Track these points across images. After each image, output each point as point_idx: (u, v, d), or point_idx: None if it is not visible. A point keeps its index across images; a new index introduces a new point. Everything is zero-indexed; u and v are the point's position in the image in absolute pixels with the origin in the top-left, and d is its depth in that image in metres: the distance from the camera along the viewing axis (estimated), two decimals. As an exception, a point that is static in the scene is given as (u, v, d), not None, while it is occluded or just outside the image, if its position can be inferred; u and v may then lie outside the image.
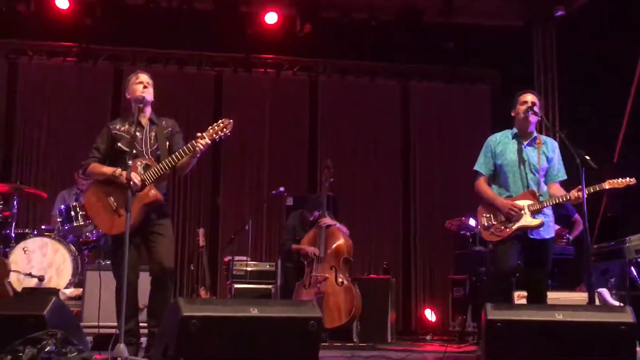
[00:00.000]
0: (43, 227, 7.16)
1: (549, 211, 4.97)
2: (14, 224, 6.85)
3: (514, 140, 5.07)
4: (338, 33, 9.06)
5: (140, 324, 4.75)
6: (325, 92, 10.05)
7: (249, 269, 7.78)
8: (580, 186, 4.73)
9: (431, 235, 9.81)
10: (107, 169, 4.61)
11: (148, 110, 4.75)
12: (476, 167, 5.15)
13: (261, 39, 9.25)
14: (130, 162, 4.33)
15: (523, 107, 5.00)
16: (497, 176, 5.08)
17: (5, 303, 4.32)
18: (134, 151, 4.50)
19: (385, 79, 10.12)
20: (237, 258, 7.73)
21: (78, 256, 6.81)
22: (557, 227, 6.88)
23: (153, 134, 4.71)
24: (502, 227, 4.88)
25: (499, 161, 5.04)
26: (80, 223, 6.80)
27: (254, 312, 3.66)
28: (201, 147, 4.44)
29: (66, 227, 6.84)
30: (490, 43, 9.15)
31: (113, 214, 4.56)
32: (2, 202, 6.53)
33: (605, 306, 5.56)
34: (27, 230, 7.06)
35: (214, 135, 4.48)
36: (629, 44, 7.51)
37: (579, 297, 6.10)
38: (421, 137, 10.13)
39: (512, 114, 5.11)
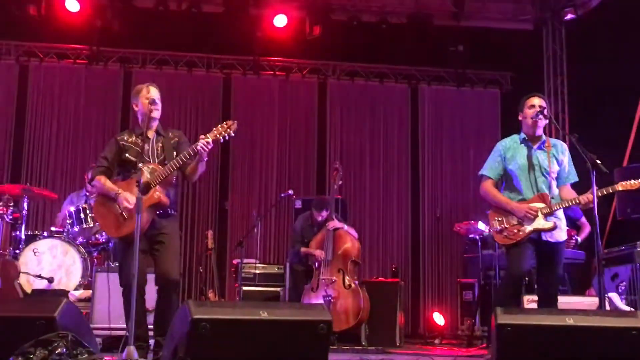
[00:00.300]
0: (53, 228, 7.18)
1: (561, 214, 4.95)
2: (24, 225, 6.87)
3: (523, 144, 5.04)
4: (347, 36, 9.06)
5: (151, 326, 4.75)
6: (335, 95, 10.06)
7: (257, 271, 7.78)
8: (591, 191, 4.71)
9: (440, 238, 9.79)
10: (110, 189, 4.63)
11: (155, 122, 4.77)
12: (483, 172, 5.12)
13: (270, 42, 9.27)
14: (140, 166, 4.37)
15: (531, 111, 4.97)
16: (508, 181, 5.06)
17: (16, 304, 4.32)
18: (141, 161, 4.53)
19: (395, 81, 10.12)
20: (245, 260, 7.73)
21: (87, 258, 6.82)
22: (566, 228, 6.88)
23: (160, 144, 4.74)
24: (516, 231, 4.85)
25: (509, 166, 5.01)
26: (90, 225, 6.82)
27: (264, 315, 3.66)
28: (203, 146, 4.45)
29: (76, 229, 6.86)
30: (501, 46, 9.14)
31: (119, 217, 4.59)
32: (12, 204, 6.55)
33: (617, 311, 5.53)
34: (37, 232, 7.08)
35: (218, 135, 4.50)
36: (639, 48, 7.48)
37: (589, 301, 6.07)
38: (430, 140, 10.11)
39: (520, 118, 5.08)
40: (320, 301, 6.57)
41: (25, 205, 6.82)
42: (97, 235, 6.98)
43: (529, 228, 4.82)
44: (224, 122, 4.56)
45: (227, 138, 4.54)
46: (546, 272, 4.93)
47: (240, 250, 7.71)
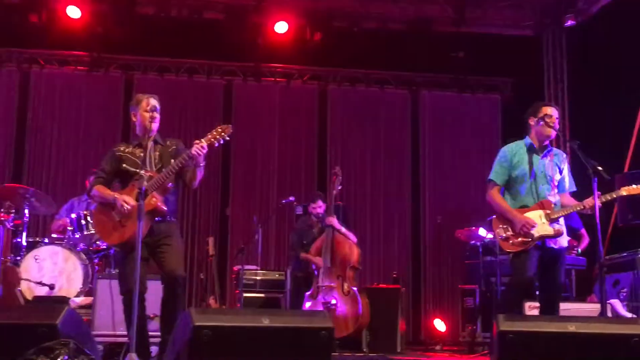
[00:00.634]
0: (54, 235, 7.18)
1: (562, 222, 4.96)
2: (25, 232, 6.87)
3: (529, 151, 5.04)
4: (348, 42, 9.07)
5: (151, 333, 4.76)
6: (335, 101, 10.07)
7: (258, 278, 7.78)
8: (597, 194, 4.72)
9: (441, 244, 9.78)
10: (107, 195, 4.66)
11: (154, 132, 4.78)
12: (491, 177, 5.11)
13: (271, 48, 9.29)
14: (140, 173, 4.39)
15: (545, 120, 4.96)
16: (511, 186, 5.06)
17: (17, 312, 4.31)
18: (140, 171, 4.54)
19: (396, 88, 10.13)
20: (246, 267, 7.73)
21: (89, 265, 6.81)
22: (568, 238, 6.88)
23: (157, 153, 4.76)
24: (522, 238, 4.85)
25: (515, 172, 5.01)
26: (91, 231, 6.82)
27: (266, 322, 3.66)
28: (197, 150, 4.46)
29: (77, 236, 6.86)
30: (501, 52, 9.16)
31: (116, 226, 4.61)
32: (13, 211, 6.55)
33: (619, 318, 5.53)
34: (38, 239, 7.08)
35: (212, 140, 4.51)
36: (639, 54, 7.50)
37: (590, 308, 6.07)
38: (431, 146, 10.12)
39: (531, 122, 5.05)
40: (320, 308, 6.57)
41: (26, 212, 6.82)
42: (98, 242, 6.97)
43: (535, 235, 4.82)
44: (218, 127, 4.58)
45: (222, 142, 4.56)
46: (548, 278, 4.93)
47: (241, 257, 7.72)
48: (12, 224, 6.61)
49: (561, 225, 4.92)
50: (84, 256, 6.81)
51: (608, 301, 5.81)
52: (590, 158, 4.75)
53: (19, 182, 9.06)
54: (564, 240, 4.95)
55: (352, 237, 7.14)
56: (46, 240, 6.96)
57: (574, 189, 5.08)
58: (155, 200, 4.54)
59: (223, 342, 3.56)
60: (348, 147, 9.95)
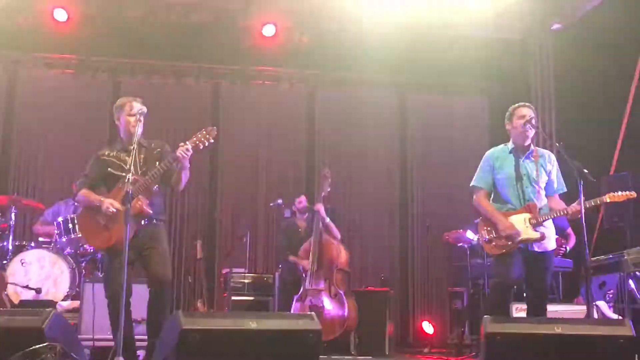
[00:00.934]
0: (41, 239, 7.15)
1: (549, 224, 4.97)
2: (11, 236, 6.83)
3: (512, 154, 5.07)
4: (336, 45, 9.08)
5: (138, 337, 4.75)
6: (323, 104, 10.06)
7: (246, 281, 7.78)
8: (579, 201, 4.74)
9: (429, 247, 9.80)
10: (93, 199, 4.65)
11: (138, 135, 4.76)
12: (474, 183, 5.15)
13: (259, 51, 9.27)
14: (123, 180, 4.39)
15: (520, 121, 5.00)
16: (496, 190, 5.09)
17: (3, 316, 4.29)
18: (124, 174, 4.53)
19: (383, 90, 10.15)
20: (234, 270, 7.72)
21: (76, 268, 6.80)
22: (556, 236, 6.91)
23: (142, 156, 4.75)
24: (504, 241, 4.88)
25: (498, 176, 5.05)
26: (78, 235, 6.79)
27: (253, 325, 3.66)
28: (182, 153, 4.46)
29: (64, 240, 6.84)
30: (488, 56, 9.19)
31: (103, 230, 4.60)
32: (-1, 214, 6.53)
33: (605, 320, 5.56)
34: (24, 243, 7.05)
35: (198, 143, 4.53)
36: (625, 57, 7.56)
37: (577, 309, 6.10)
38: (419, 149, 10.14)
39: (508, 128, 5.11)
40: (308, 311, 6.57)
41: (12, 215, 6.79)
42: (85, 246, 6.96)
43: (517, 239, 4.84)
44: (203, 129, 4.59)
45: (207, 145, 4.57)
46: (535, 280, 4.95)
47: (229, 260, 7.71)
48: (-3, 227, 6.59)
49: (547, 227, 4.94)
50: (70, 260, 6.80)
51: (594, 303, 5.85)
52: (577, 160, 4.78)
53: (4, 185, 9.03)
54: (549, 243, 4.96)
55: (336, 232, 7.13)
56: (33, 244, 6.94)
57: (564, 189, 5.10)
58: (141, 203, 4.53)
59: (211, 345, 3.56)
60: (336, 149, 9.95)
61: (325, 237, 6.99)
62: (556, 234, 5.31)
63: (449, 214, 9.52)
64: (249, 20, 9.00)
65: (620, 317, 5.86)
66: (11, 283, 6.36)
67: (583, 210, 4.70)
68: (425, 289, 9.77)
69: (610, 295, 6.22)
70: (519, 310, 5.83)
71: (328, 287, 6.77)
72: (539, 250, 4.89)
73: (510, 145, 5.11)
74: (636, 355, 4.03)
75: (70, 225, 6.85)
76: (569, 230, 7.27)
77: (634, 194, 4.89)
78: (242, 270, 7.92)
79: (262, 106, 9.88)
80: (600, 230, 7.43)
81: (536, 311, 4.92)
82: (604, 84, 7.73)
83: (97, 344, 5.48)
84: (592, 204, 4.80)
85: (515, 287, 5.57)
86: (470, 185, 5.18)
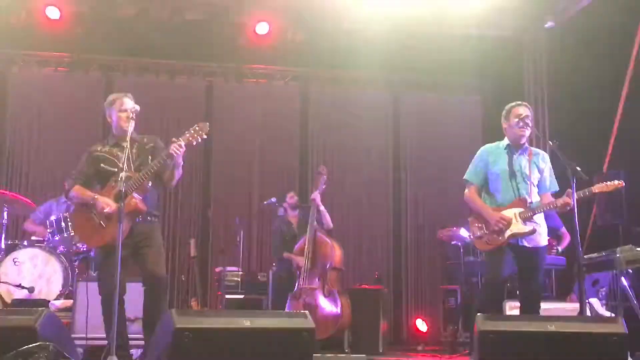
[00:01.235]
0: (33, 238, 7.13)
1: (540, 220, 4.98)
2: (3, 234, 6.81)
3: (506, 150, 5.10)
4: (330, 43, 9.07)
5: (131, 336, 4.73)
6: (317, 102, 10.07)
7: (240, 279, 7.76)
8: (568, 191, 4.76)
9: (422, 245, 9.83)
10: (86, 196, 4.63)
11: (130, 128, 4.75)
12: (466, 177, 5.19)
13: (252, 49, 9.26)
14: (116, 177, 4.38)
15: (516, 120, 5.02)
16: (488, 185, 5.11)
17: (-5, 315, 4.28)
18: (117, 169, 4.52)
19: (376, 89, 10.15)
20: (228, 268, 7.71)
21: (69, 267, 6.78)
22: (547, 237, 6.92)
23: (135, 150, 4.73)
24: (495, 236, 4.89)
25: (491, 171, 5.06)
26: (71, 234, 6.78)
27: (247, 323, 3.66)
28: (175, 150, 4.45)
29: (57, 238, 6.82)
30: (481, 54, 9.20)
31: (97, 228, 4.58)
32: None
33: (598, 317, 5.58)
34: (17, 241, 7.02)
35: (190, 138, 4.52)
36: (618, 55, 7.58)
37: (570, 307, 6.12)
38: (412, 147, 10.15)
39: (504, 126, 5.13)
40: (302, 309, 6.57)
41: (5, 214, 6.76)
42: (78, 245, 6.93)
43: (507, 233, 4.86)
44: (196, 125, 4.57)
45: (199, 141, 4.56)
46: (527, 278, 4.97)
47: (222, 258, 7.70)
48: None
49: (538, 223, 4.95)
50: (63, 259, 6.77)
51: (587, 300, 5.86)
52: (570, 158, 4.79)
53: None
54: (540, 239, 4.96)
55: (329, 221, 7.12)
56: (25, 242, 6.91)
57: (556, 189, 5.12)
58: (135, 201, 4.52)
59: (204, 344, 3.56)
60: (329, 148, 9.95)
61: (319, 235, 6.99)
62: (549, 235, 5.33)
63: (443, 212, 9.54)
64: (242, 18, 8.98)
65: (613, 315, 5.87)
66: (4, 282, 6.34)
67: (576, 209, 4.72)
68: (418, 286, 9.79)
69: (603, 293, 6.24)
70: (512, 308, 5.84)
71: (322, 285, 6.77)
72: (530, 246, 4.90)
73: (505, 142, 5.13)
74: (629, 353, 4.04)
75: (63, 224, 6.83)
76: (563, 229, 7.28)
77: (621, 183, 4.90)
78: (235, 268, 7.92)
79: (255, 104, 9.87)
80: (593, 227, 7.45)
81: (529, 308, 4.94)
82: (597, 82, 7.74)
83: (90, 343, 5.46)
84: (581, 195, 4.80)
85: (508, 284, 5.60)
86: (463, 178, 5.20)
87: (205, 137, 4.58)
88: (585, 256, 6.36)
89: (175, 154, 4.48)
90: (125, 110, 4.67)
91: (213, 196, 9.63)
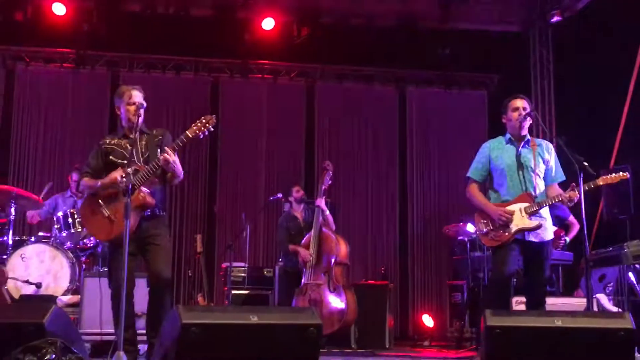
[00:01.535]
0: (40, 233, 7.15)
1: (546, 214, 4.96)
2: (11, 230, 6.83)
3: (509, 144, 5.08)
4: (335, 39, 9.06)
5: (139, 331, 4.74)
6: (323, 98, 10.06)
7: (246, 275, 7.77)
8: (572, 185, 4.75)
9: (429, 240, 9.82)
10: (93, 182, 4.65)
11: (139, 121, 4.75)
12: (469, 174, 5.18)
13: (258, 45, 9.26)
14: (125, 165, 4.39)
15: (515, 114, 5.01)
16: (493, 181, 5.09)
17: (4, 310, 4.29)
18: (126, 161, 4.52)
19: (382, 84, 10.14)
20: (234, 264, 7.72)
21: (76, 263, 6.79)
22: (555, 227, 6.90)
23: (144, 143, 4.73)
24: (501, 232, 4.88)
25: (495, 166, 5.05)
26: (79, 230, 6.80)
27: (254, 319, 3.65)
28: (165, 159, 4.44)
29: (64, 234, 6.84)
30: (487, 48, 9.18)
31: (105, 221, 4.58)
32: (-1, 209, 6.53)
33: (605, 312, 5.56)
34: (24, 237, 7.04)
35: (197, 131, 4.50)
36: (625, 50, 7.54)
37: (577, 302, 6.11)
38: (418, 142, 10.14)
39: (503, 120, 5.12)
40: (307, 305, 6.57)
41: (12, 210, 6.78)
42: (85, 240, 6.96)
43: (513, 228, 4.84)
44: (202, 118, 4.56)
45: (206, 133, 4.55)
46: (533, 273, 4.95)
47: (229, 254, 7.71)
48: (-3, 222, 6.59)
49: (543, 217, 4.93)
50: (70, 254, 6.79)
51: (594, 296, 5.85)
52: (577, 153, 4.78)
53: (4, 179, 9.02)
54: (546, 233, 4.94)
55: (331, 224, 7.12)
56: (33, 238, 6.93)
57: (563, 178, 5.08)
58: (143, 194, 4.52)
59: (211, 339, 3.55)
60: (335, 143, 9.95)
61: (325, 231, 6.98)
62: (556, 225, 5.30)
63: (449, 207, 9.54)
64: (248, 14, 8.98)
65: (620, 310, 5.86)
66: (11, 278, 6.35)
67: (583, 204, 4.70)
68: (425, 282, 9.79)
69: (610, 288, 6.23)
70: (519, 303, 5.83)
71: (327, 280, 6.76)
72: (536, 241, 4.88)
73: (506, 136, 5.11)
74: (636, 348, 4.03)
75: (70, 220, 6.85)
76: (571, 218, 7.24)
77: (626, 175, 4.88)
78: (242, 264, 7.93)
79: (261, 100, 9.88)
80: (600, 222, 7.43)
81: (535, 303, 4.92)
82: (604, 76, 7.71)
83: (98, 338, 5.48)
84: (587, 188, 4.78)
85: (515, 280, 5.58)
86: (466, 176, 5.20)
87: (212, 129, 4.56)
88: (592, 251, 6.35)
89: (164, 164, 4.48)
90: (134, 103, 4.67)
91: (219, 191, 9.64)
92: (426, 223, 9.85)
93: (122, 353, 3.81)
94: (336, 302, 6.68)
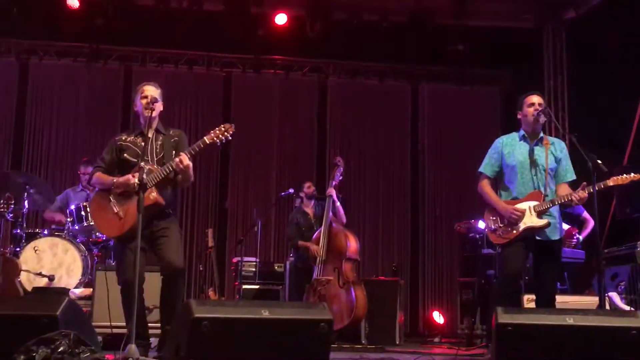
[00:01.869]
0: (53, 227, 7.19)
1: (555, 212, 4.94)
2: (24, 223, 6.88)
3: (522, 141, 5.05)
4: (348, 34, 9.05)
5: (150, 325, 4.77)
6: (335, 94, 10.06)
7: (257, 269, 7.79)
8: (584, 184, 4.72)
9: (440, 237, 9.81)
10: (107, 179, 4.66)
11: (155, 120, 4.76)
12: (481, 169, 5.16)
13: (271, 40, 9.27)
14: (140, 165, 4.39)
15: (531, 109, 4.99)
16: (504, 178, 5.07)
17: (18, 303, 4.33)
18: (140, 160, 4.53)
19: (395, 80, 10.13)
20: (245, 259, 7.74)
21: (88, 256, 6.84)
22: (567, 226, 6.86)
23: (159, 142, 4.74)
24: (509, 229, 4.87)
25: (507, 162, 5.03)
26: (91, 223, 6.83)
27: (265, 314, 3.66)
28: (178, 164, 4.45)
29: (76, 227, 6.88)
30: (501, 45, 9.14)
31: (115, 218, 4.60)
32: (13, 202, 6.56)
33: (617, 311, 5.54)
34: (37, 230, 7.09)
35: (215, 139, 4.51)
36: (639, 46, 7.49)
37: (588, 301, 6.08)
38: (430, 138, 10.12)
39: (519, 116, 5.09)
40: (316, 300, 6.57)
41: (25, 203, 6.83)
42: (97, 234, 7.00)
43: (522, 226, 4.83)
44: (222, 125, 4.56)
45: (224, 141, 4.55)
46: (542, 271, 4.93)
47: (240, 249, 7.73)
48: (11, 215, 6.62)
49: (554, 216, 4.91)
50: (83, 248, 6.83)
51: (606, 294, 5.83)
52: (590, 151, 4.75)
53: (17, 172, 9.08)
54: (556, 232, 4.92)
55: (342, 216, 7.11)
56: (45, 231, 6.98)
57: (573, 178, 5.05)
58: (154, 194, 4.53)
59: (223, 333, 3.57)
60: (347, 139, 9.95)
61: (334, 226, 6.97)
62: (571, 221, 5.27)
63: (461, 204, 9.51)
64: (260, 9, 8.98)
65: (632, 309, 5.83)
66: (24, 270, 6.39)
67: (596, 203, 4.67)
68: (436, 278, 9.79)
69: (623, 287, 6.20)
70: (530, 301, 5.82)
71: (337, 276, 6.76)
72: (544, 239, 4.86)
73: (520, 132, 5.09)
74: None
75: (83, 213, 6.89)
76: (585, 214, 7.19)
77: (638, 176, 4.84)
78: (252, 259, 7.95)
79: (273, 95, 9.89)
80: (613, 221, 7.39)
81: (545, 301, 4.90)
82: (618, 73, 7.66)
83: (110, 331, 5.51)
84: (597, 188, 4.75)
85: (526, 277, 5.57)
86: (478, 171, 5.19)
87: (230, 138, 4.57)
88: (604, 250, 6.32)
89: (177, 169, 4.49)
90: (145, 97, 4.69)
91: (230, 187, 9.67)
92: (437, 220, 9.83)
93: (134, 346, 3.83)
94: (346, 297, 6.68)
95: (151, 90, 4.74)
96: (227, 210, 9.51)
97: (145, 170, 4.34)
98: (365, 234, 9.35)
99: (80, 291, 6.55)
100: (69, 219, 6.92)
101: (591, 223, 7.20)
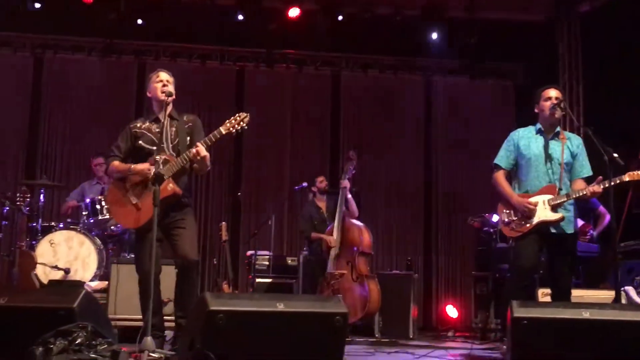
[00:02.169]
0: (69, 220, 7.24)
1: (570, 206, 4.91)
2: (40, 217, 6.93)
3: (538, 135, 5.04)
4: (361, 28, 9.02)
5: (165, 317, 4.79)
6: (348, 87, 10.04)
7: (270, 263, 7.81)
8: (599, 178, 4.70)
9: (454, 231, 9.79)
10: (124, 167, 4.67)
11: (169, 107, 4.77)
12: (496, 161, 5.15)
13: (283, 34, 9.25)
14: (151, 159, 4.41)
15: (548, 103, 4.97)
16: (518, 170, 5.05)
17: (36, 295, 4.37)
18: (155, 147, 4.54)
19: (409, 73, 10.09)
20: (259, 252, 7.76)
21: (103, 249, 6.88)
22: (582, 222, 6.83)
23: (174, 129, 4.75)
24: (522, 223, 4.85)
25: (522, 155, 5.01)
26: (106, 216, 6.89)
27: (280, 307, 3.68)
28: (194, 155, 4.46)
29: (91, 221, 6.93)
30: (515, 38, 9.08)
31: (132, 209, 4.61)
32: (29, 196, 6.61)
33: (633, 305, 5.51)
34: (53, 223, 7.14)
35: (231, 129, 4.53)
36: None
37: (604, 295, 6.05)
38: (444, 132, 10.09)
39: (536, 110, 5.07)
40: (330, 294, 6.58)
41: (41, 197, 6.88)
42: (112, 227, 7.04)
43: (535, 220, 4.81)
44: (237, 115, 4.57)
45: (240, 131, 4.55)
46: (556, 264, 4.92)
47: (253, 242, 7.75)
48: (27, 208, 6.67)
49: (569, 210, 4.88)
50: (98, 241, 6.88)
51: (622, 288, 5.79)
52: (605, 144, 4.72)
53: (32, 167, 9.16)
54: (570, 226, 4.90)
55: (354, 210, 7.10)
56: (61, 225, 7.03)
57: (590, 173, 5.03)
58: (172, 186, 4.55)
59: (237, 326, 3.59)
60: (360, 133, 9.94)
61: (347, 220, 6.97)
62: (587, 215, 5.23)
63: (474, 198, 9.47)
64: (273, 3, 8.97)
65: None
66: (40, 263, 6.45)
67: (612, 197, 4.64)
68: (449, 272, 9.77)
69: (638, 281, 6.16)
70: (545, 295, 5.80)
71: (350, 270, 6.77)
72: (558, 233, 4.84)
73: (537, 126, 5.07)
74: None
75: (98, 207, 6.93)
76: (601, 208, 7.16)
77: None
78: (266, 252, 7.96)
79: (286, 89, 9.88)
80: (628, 215, 7.34)
81: (560, 295, 4.88)
82: (633, 67, 7.60)
83: (125, 324, 5.55)
84: (612, 183, 4.72)
85: (541, 271, 5.54)
86: (493, 162, 5.17)
87: (246, 127, 4.57)
88: (620, 244, 6.29)
89: (194, 158, 4.50)
90: (160, 81, 4.72)
91: (244, 180, 9.68)
92: (451, 213, 9.81)
93: (149, 338, 3.86)
94: (359, 291, 6.68)
95: (166, 76, 4.77)
96: (241, 203, 9.52)
97: (161, 161, 4.36)
98: (379, 227, 9.34)
99: (95, 284, 6.60)
100: (84, 213, 6.97)
101: (607, 217, 7.15)
